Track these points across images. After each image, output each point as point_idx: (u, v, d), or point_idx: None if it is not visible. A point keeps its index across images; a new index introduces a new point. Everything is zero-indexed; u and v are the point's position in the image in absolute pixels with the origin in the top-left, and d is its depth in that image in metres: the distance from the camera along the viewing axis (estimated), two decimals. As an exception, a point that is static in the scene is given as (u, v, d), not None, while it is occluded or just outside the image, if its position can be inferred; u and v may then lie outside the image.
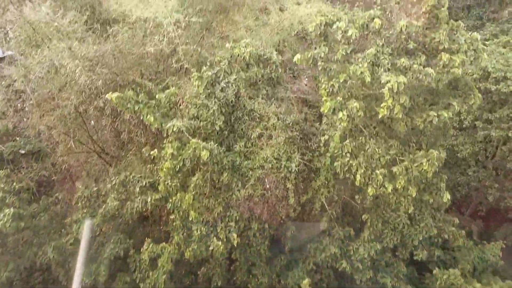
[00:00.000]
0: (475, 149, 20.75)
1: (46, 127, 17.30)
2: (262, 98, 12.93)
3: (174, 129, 11.54)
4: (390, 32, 10.98)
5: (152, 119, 11.71)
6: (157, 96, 12.39)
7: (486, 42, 26.97)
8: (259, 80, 13.03)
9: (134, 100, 11.83)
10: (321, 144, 12.75)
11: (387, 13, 11.47)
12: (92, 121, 17.43)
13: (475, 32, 11.00)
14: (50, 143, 18.37)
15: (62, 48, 13.56)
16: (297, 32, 15.72)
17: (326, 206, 12.79)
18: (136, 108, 11.78)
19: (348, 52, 11.60)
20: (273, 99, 13.22)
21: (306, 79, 25.06)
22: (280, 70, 13.09)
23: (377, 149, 11.39)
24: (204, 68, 12.75)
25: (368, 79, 10.43)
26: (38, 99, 16.30)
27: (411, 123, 10.92)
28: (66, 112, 15.90)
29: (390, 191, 10.75)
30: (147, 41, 14.45)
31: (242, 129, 12.70)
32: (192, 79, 12.98)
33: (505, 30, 27.74)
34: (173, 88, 12.64)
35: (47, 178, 19.01)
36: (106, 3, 16.02)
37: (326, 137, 12.55)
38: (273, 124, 12.44)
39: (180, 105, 14.34)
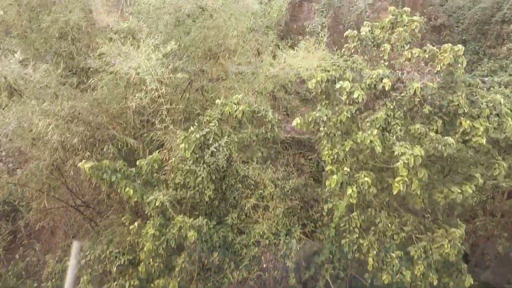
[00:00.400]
0: (482, 197, 19.54)
1: (18, 185, 15.75)
2: (257, 162, 11.52)
3: (156, 204, 10.04)
4: (402, 94, 9.71)
5: (131, 192, 10.20)
6: (138, 163, 10.93)
7: (485, 79, 26.22)
8: (253, 141, 11.64)
9: (111, 169, 10.32)
10: (324, 213, 11.31)
11: (397, 70, 10.24)
12: (72, 172, 15.93)
13: (497, 95, 9.78)
14: (22, 201, 16.77)
15: (32, 105, 12.14)
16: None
17: (331, 285, 11.22)
18: (113, 179, 10.27)
19: (353, 112, 10.33)
20: (269, 161, 11.82)
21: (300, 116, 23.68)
22: (276, 130, 11.73)
23: (389, 225, 9.97)
24: (192, 128, 11.39)
25: (378, 149, 9.08)
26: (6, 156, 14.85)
27: (429, 198, 9.55)
28: (39, 168, 14.47)
29: (408, 279, 9.27)
30: (129, 95, 13.13)
31: (234, 198, 11.23)
32: (178, 139, 11.61)
33: (504, 67, 27.24)
34: (156, 153, 11.18)
35: (18, 242, 17.26)
36: (85, 49, 14.74)
37: (330, 205, 11.11)
38: (270, 192, 11.00)
39: (166, 159, 12.94)
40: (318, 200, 11.75)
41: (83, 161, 10.53)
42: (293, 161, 17.23)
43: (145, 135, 13.95)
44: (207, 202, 10.94)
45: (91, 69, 13.55)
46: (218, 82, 16.55)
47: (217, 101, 12.02)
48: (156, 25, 14.07)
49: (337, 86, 10.12)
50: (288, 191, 11.26)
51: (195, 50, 15.15)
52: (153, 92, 11.41)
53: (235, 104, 11.67)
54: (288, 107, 23.10)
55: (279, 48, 16.05)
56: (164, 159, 12.86)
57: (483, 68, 27.93)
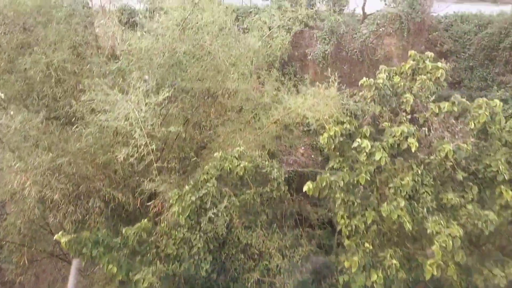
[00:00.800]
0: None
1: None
2: (261, 227, 10.07)
3: (144, 285, 8.56)
4: (431, 157, 8.35)
5: (114, 269, 8.73)
6: (124, 231, 9.48)
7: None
8: (257, 202, 10.22)
9: (92, 242, 8.88)
10: (340, 286, 9.81)
11: (422, 127, 8.91)
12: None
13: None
14: (1, 254, 15.31)
15: (7, 160, 10.80)
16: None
17: None
18: (94, 253, 8.82)
19: (372, 172, 8.96)
20: (275, 224, 10.38)
21: (303, 148, 22.40)
22: (283, 188, 10.33)
23: (417, 306, 8.49)
24: (187, 187, 10.00)
25: (408, 226, 7.67)
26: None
27: (466, 280, 8.11)
28: (17, 224, 13.06)
29: None
30: (116, 144, 11.80)
31: (235, 269, 9.76)
32: (171, 198, 10.22)
33: (515, 95, 26.10)
34: (145, 220, 9.76)
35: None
36: (70, 91, 13.43)
37: (346, 277, 9.61)
38: (277, 265, 9.52)
39: (159, 209, 11.53)
40: (331, 268, 10.28)
41: (60, 232, 9.10)
42: (298, 208, 15.73)
43: (136, 181, 12.60)
44: (203, 276, 9.48)
45: (76, 116, 12.27)
46: (217, 119, 15.30)
47: (216, 154, 10.66)
48: (148, 66, 12.81)
49: (355, 144, 8.77)
50: (298, 260, 9.80)
51: (191, 90, 13.90)
52: (142, 147, 10.06)
53: (235, 158, 10.32)
54: (289, 137, 21.84)
55: (282, 84, 14.81)
56: (157, 209, 11.53)
57: (492, 97, 26.68)
